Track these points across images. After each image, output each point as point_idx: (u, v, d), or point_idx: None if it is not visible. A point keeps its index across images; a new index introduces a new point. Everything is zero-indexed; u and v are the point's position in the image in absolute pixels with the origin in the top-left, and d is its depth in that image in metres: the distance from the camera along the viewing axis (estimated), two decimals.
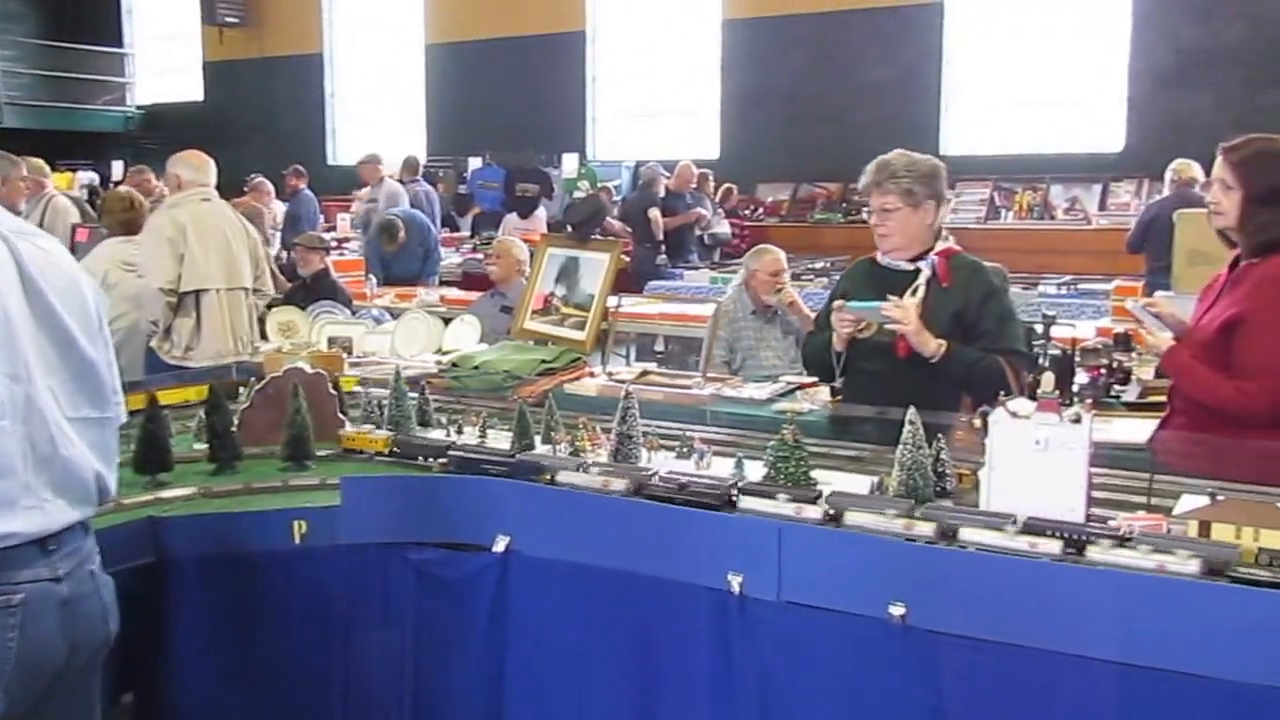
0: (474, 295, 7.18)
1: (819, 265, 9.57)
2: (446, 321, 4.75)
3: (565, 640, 2.55)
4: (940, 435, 2.49)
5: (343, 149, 17.24)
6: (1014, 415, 2.24)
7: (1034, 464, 2.19)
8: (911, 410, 2.40)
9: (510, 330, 4.43)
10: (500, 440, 2.91)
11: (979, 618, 2.07)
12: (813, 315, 4.71)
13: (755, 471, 2.54)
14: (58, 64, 19.33)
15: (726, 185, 12.04)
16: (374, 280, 8.47)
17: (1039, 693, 2.04)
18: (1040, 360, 3.85)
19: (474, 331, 4.62)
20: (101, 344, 2.01)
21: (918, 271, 3.23)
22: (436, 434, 3.06)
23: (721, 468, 2.63)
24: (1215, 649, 1.89)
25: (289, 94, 17.58)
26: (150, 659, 2.63)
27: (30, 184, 8.21)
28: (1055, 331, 4.17)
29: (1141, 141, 10.98)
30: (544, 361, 3.89)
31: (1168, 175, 7.92)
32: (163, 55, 20.01)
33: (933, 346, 3.10)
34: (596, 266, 4.11)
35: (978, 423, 2.58)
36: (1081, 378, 3.95)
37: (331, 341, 4.50)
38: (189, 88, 19.25)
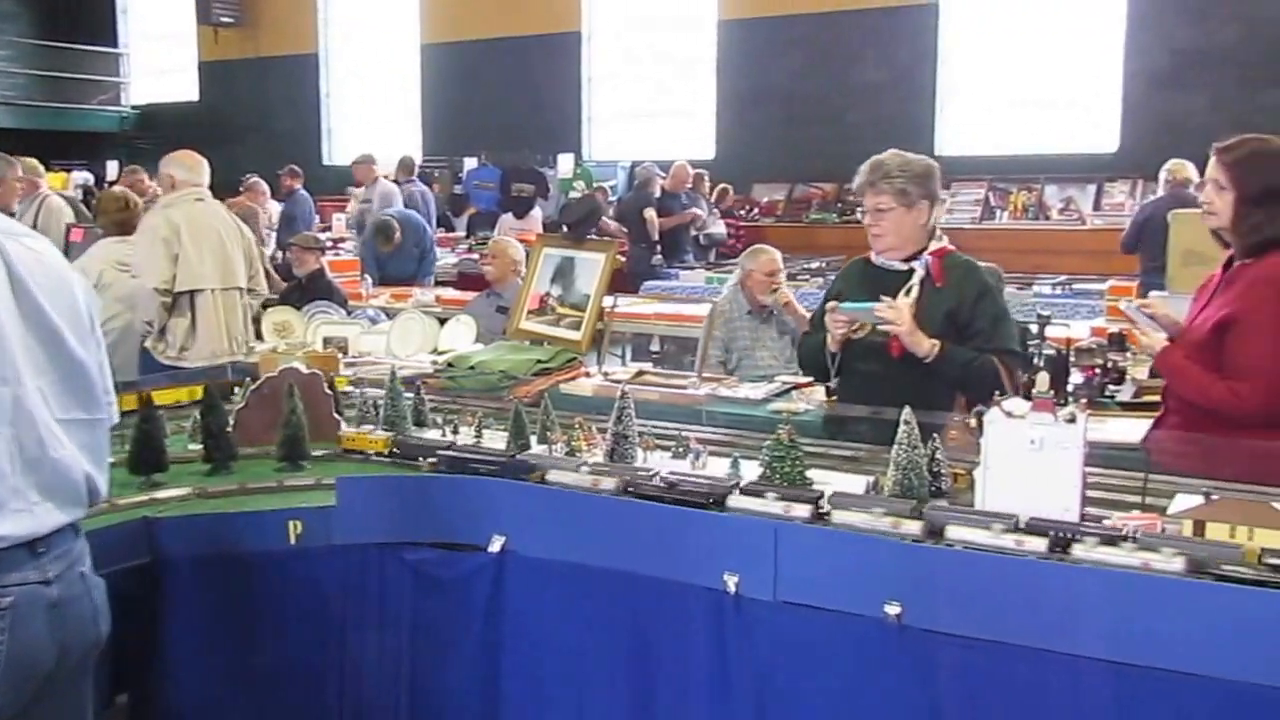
0: (469, 295, 7.17)
1: (814, 265, 9.58)
2: (442, 322, 4.75)
3: (561, 640, 2.55)
4: (935, 435, 2.50)
5: (338, 149, 17.23)
6: (1009, 415, 2.25)
7: (1029, 463, 2.20)
8: (907, 410, 2.40)
9: (506, 330, 4.43)
10: (496, 440, 2.91)
11: (974, 617, 2.08)
12: (808, 315, 4.72)
13: (751, 471, 2.55)
14: (52, 64, 19.31)
15: (722, 185, 12.04)
16: (369, 280, 8.46)
17: (1033, 691, 2.05)
18: (1035, 360, 3.85)
19: (470, 332, 4.62)
20: (93, 345, 2.00)
21: (912, 271, 3.23)
22: (432, 434, 3.05)
23: (717, 468, 2.63)
24: (1207, 647, 1.90)
25: (284, 94, 17.56)
26: (145, 660, 2.62)
27: (24, 184, 8.19)
28: (1050, 331, 4.17)
29: (1136, 142, 11.00)
30: (540, 361, 3.89)
31: (1162, 175, 7.93)
32: (158, 55, 19.99)
33: (926, 346, 3.10)
34: (592, 266, 4.11)
35: (972, 422, 2.58)
36: (1076, 377, 3.96)
37: (327, 342, 4.50)
38: (184, 88, 19.23)
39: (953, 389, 3.16)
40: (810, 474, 2.48)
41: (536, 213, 11.38)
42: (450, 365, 4.02)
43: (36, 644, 1.86)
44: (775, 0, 13.06)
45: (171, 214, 4.84)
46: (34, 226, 7.85)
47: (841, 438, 3.05)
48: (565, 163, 13.64)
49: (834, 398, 3.47)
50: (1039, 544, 2.07)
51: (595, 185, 12.38)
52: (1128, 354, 3.88)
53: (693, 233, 10.85)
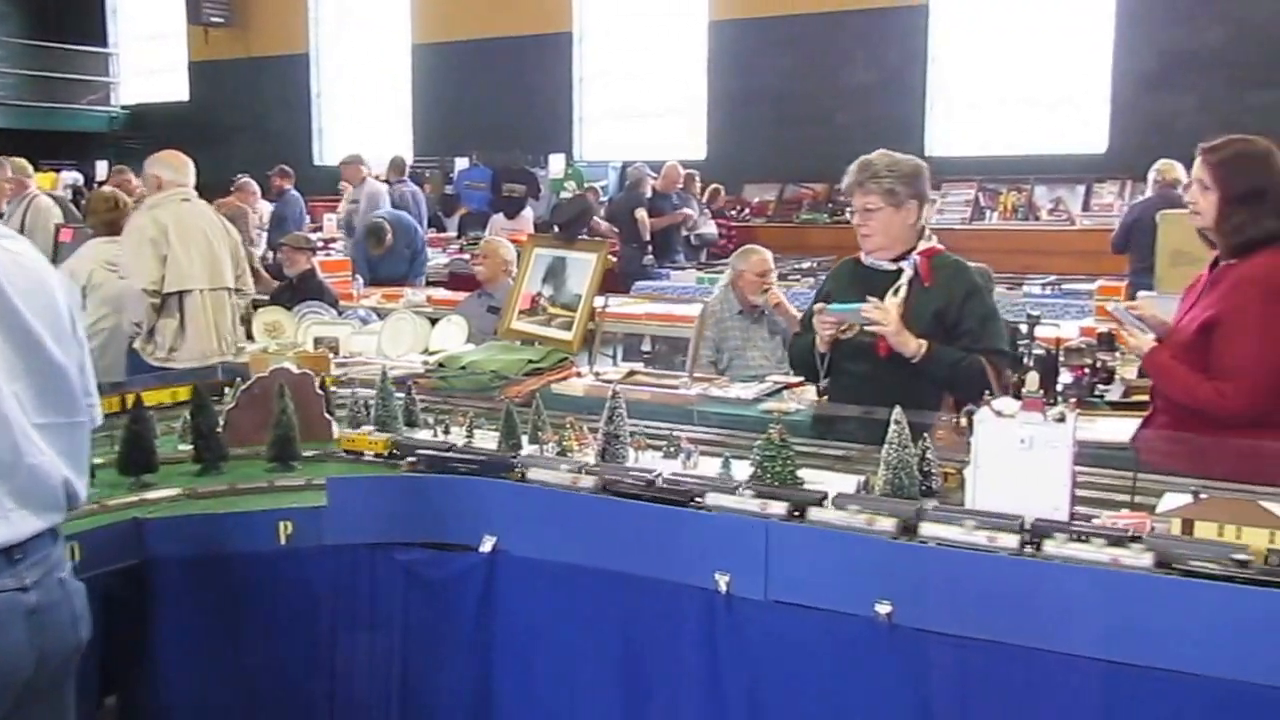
0: (461, 295, 7.17)
1: (805, 265, 9.59)
2: (433, 322, 4.75)
3: (553, 640, 2.55)
4: (926, 435, 2.51)
5: (329, 149, 17.18)
6: (999, 414, 2.26)
7: (1019, 462, 2.21)
8: (897, 410, 2.41)
9: (497, 330, 4.43)
10: (488, 440, 2.91)
11: (965, 616, 2.08)
12: (799, 316, 4.72)
13: (742, 471, 2.55)
14: (42, 63, 19.23)
15: (713, 186, 12.05)
16: (360, 280, 8.44)
17: (1024, 690, 2.06)
18: (1025, 360, 3.87)
19: (461, 332, 4.62)
20: (74, 346, 1.97)
21: (900, 271, 3.24)
22: (423, 434, 3.05)
23: (709, 467, 2.64)
24: (1198, 646, 1.91)
25: (275, 94, 17.52)
26: (135, 661, 2.61)
27: (13, 184, 8.17)
28: (1039, 331, 4.20)
29: (1125, 143, 11.04)
30: (531, 361, 3.89)
31: (1151, 176, 7.96)
32: (147, 55, 19.92)
33: (913, 346, 3.11)
34: (583, 267, 4.11)
35: (963, 421, 2.59)
36: (1065, 377, 3.97)
37: (318, 342, 4.50)
38: (174, 88, 19.16)
39: (941, 389, 3.17)
40: (801, 473, 2.49)
41: (528, 213, 11.37)
42: (441, 365, 4.02)
43: (15, 651, 1.84)
44: (766, 1, 13.07)
45: (159, 214, 4.82)
46: (22, 226, 7.85)
47: (831, 437, 3.06)
48: (556, 163, 13.64)
49: (824, 398, 3.47)
50: (1066, 549, 2.07)
51: (586, 185, 12.37)
52: (1117, 354, 3.89)
53: (684, 233, 10.85)
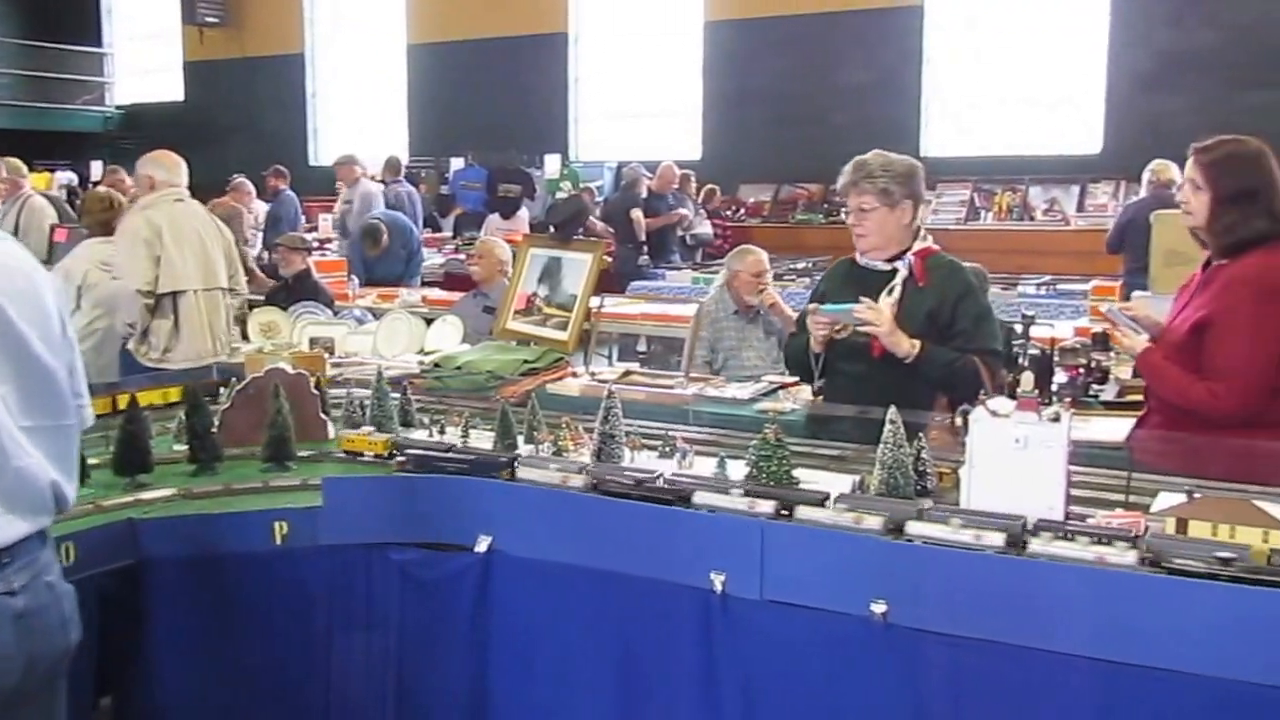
0: (456, 296, 7.16)
1: (801, 266, 9.60)
2: (429, 322, 4.74)
3: (549, 640, 2.55)
4: (921, 434, 2.51)
5: (324, 149, 17.17)
6: (994, 414, 2.26)
7: (1014, 462, 2.21)
8: (892, 409, 2.41)
9: (493, 330, 4.43)
10: (483, 440, 2.91)
11: (960, 616, 2.09)
12: (795, 316, 4.72)
13: (738, 470, 2.55)
14: (36, 63, 19.19)
15: (709, 186, 12.06)
16: (356, 281, 8.44)
17: (1018, 689, 2.06)
18: (1020, 360, 3.88)
19: (456, 332, 4.61)
20: (64, 347, 1.96)
21: (895, 271, 3.24)
22: (419, 434, 3.05)
23: (704, 467, 2.64)
24: (1190, 645, 1.91)
25: (270, 94, 17.50)
26: (129, 662, 2.61)
27: (7, 184, 8.16)
28: (1034, 331, 4.20)
29: (1119, 143, 11.07)
30: (526, 362, 3.89)
31: (1145, 176, 7.98)
32: (142, 55, 19.89)
33: (906, 347, 3.11)
34: (579, 267, 4.11)
35: (959, 421, 2.60)
36: (1060, 377, 3.98)
37: (313, 342, 4.49)
38: (169, 88, 19.13)
39: (934, 389, 3.17)
40: (797, 473, 2.49)
41: (523, 213, 11.37)
42: (437, 365, 4.02)
43: (3, 656, 1.83)
44: (761, 1, 13.08)
45: (152, 215, 4.81)
46: (16, 226, 7.84)
47: (826, 437, 3.06)
48: (552, 163, 13.63)
49: (819, 397, 3.48)
50: (1051, 547, 2.08)
51: (582, 186, 12.37)
52: (1111, 354, 3.90)
53: (679, 233, 10.86)
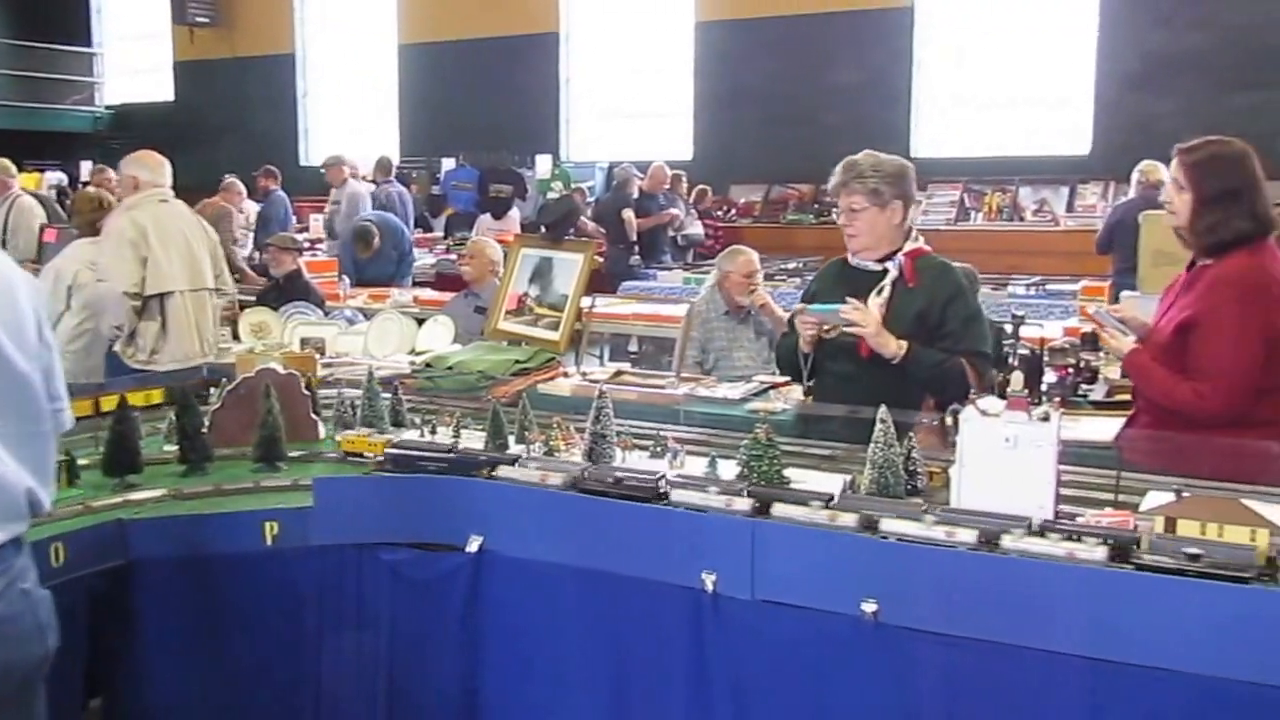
0: (448, 296, 7.15)
1: (791, 266, 9.60)
2: (420, 322, 4.74)
3: (540, 640, 2.56)
4: (911, 434, 2.52)
5: (315, 149, 17.11)
6: (984, 413, 2.27)
7: (1003, 461, 2.22)
8: (883, 409, 2.42)
9: (484, 331, 4.43)
10: (474, 440, 2.91)
11: (950, 614, 2.09)
12: (785, 316, 4.73)
13: (729, 470, 2.56)
14: (26, 63, 19.09)
15: (700, 186, 12.06)
16: (347, 281, 8.42)
17: (1009, 687, 2.07)
18: (1010, 359, 3.90)
19: (448, 332, 4.61)
20: (41, 351, 1.94)
21: (886, 272, 3.25)
22: (410, 434, 3.05)
23: (695, 467, 2.65)
24: (1181, 643, 1.93)
25: (261, 94, 17.44)
26: (119, 663, 2.61)
27: None
28: (1024, 331, 4.23)
29: (1108, 145, 11.10)
30: (518, 362, 3.89)
31: (1134, 177, 8.00)
32: (132, 55, 19.80)
33: (893, 347, 3.11)
34: (570, 267, 4.11)
35: (949, 420, 2.61)
36: (1050, 377, 4.00)
37: (304, 342, 4.49)
38: (159, 88, 19.06)
39: (922, 390, 3.18)
40: (788, 473, 2.50)
41: (514, 213, 11.37)
42: (428, 366, 4.02)
43: None
44: (752, 2, 13.09)
45: (137, 216, 4.76)
46: (5, 226, 7.81)
47: (815, 436, 3.07)
48: (543, 163, 13.62)
49: (810, 397, 3.48)
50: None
51: (573, 186, 12.36)
52: (1100, 354, 3.92)
53: (670, 233, 10.87)
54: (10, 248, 7.76)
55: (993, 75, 12.24)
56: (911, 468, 2.46)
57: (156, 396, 3.33)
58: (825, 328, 3.22)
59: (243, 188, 11.16)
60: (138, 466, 2.80)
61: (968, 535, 2.12)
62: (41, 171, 14.25)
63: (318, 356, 4.05)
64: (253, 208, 11.49)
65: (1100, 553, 2.03)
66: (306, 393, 3.17)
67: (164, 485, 2.78)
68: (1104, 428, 3.22)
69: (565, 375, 3.93)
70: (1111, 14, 11.22)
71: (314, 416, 3.17)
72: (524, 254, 4.34)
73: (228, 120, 17.32)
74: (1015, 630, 2.04)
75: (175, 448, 2.95)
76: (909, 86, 12.39)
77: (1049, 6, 11.83)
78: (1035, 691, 2.05)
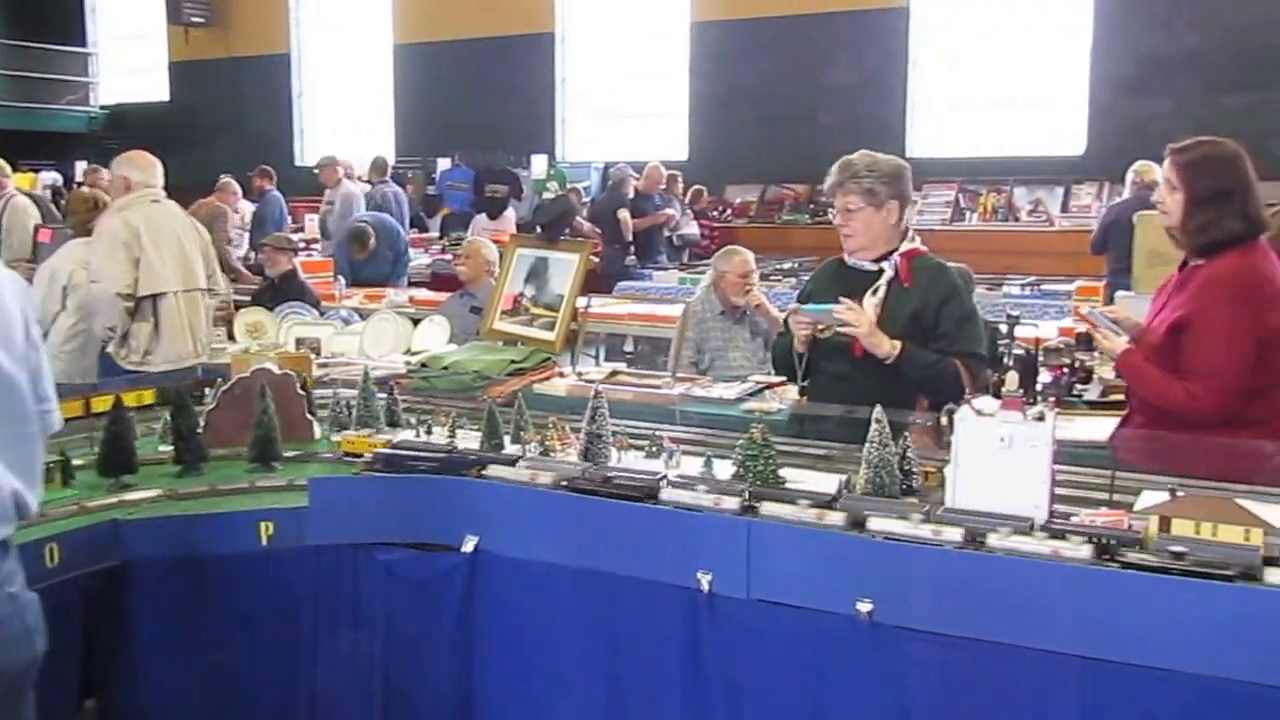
0: (443, 296, 7.15)
1: (787, 266, 9.62)
2: (415, 322, 4.74)
3: (535, 639, 2.56)
4: (906, 434, 2.52)
5: (310, 150, 17.09)
6: (979, 413, 2.27)
7: (999, 461, 2.22)
8: (878, 409, 2.42)
9: (479, 331, 4.43)
10: (470, 440, 2.91)
11: (945, 614, 2.10)
12: (781, 317, 4.73)
13: (724, 470, 2.56)
14: (20, 63, 19.04)
15: (695, 186, 12.07)
16: (342, 281, 8.42)
17: (1003, 687, 2.08)
18: (1005, 359, 3.91)
19: (443, 332, 4.61)
20: (29, 351, 1.93)
21: (882, 271, 3.25)
22: (406, 434, 3.05)
23: (691, 466, 2.65)
24: (1173, 642, 1.93)
25: (256, 94, 17.42)
26: (114, 664, 2.60)
27: None
28: (1019, 331, 4.24)
29: (1103, 145, 11.13)
30: (513, 362, 3.89)
31: (1129, 177, 8.02)
32: (127, 55, 19.77)
33: (886, 347, 3.11)
34: (566, 267, 4.11)
35: (943, 420, 2.61)
36: (1045, 376, 4.01)
37: (299, 342, 4.47)
38: (154, 88, 19.03)
39: (915, 390, 3.18)
40: (783, 472, 2.50)
41: (510, 213, 11.36)
42: (424, 366, 4.02)
43: None
44: (747, 3, 13.10)
45: (129, 216, 4.73)
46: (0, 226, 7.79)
47: (811, 436, 3.07)
48: (539, 163, 13.62)
49: (804, 397, 3.49)
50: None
51: (569, 186, 12.35)
52: (1095, 354, 3.93)
53: (666, 233, 10.87)
54: (5, 248, 7.76)
55: (988, 76, 12.26)
56: (907, 467, 2.46)
57: (148, 397, 3.32)
58: (820, 327, 3.23)
59: (238, 188, 11.15)
60: (133, 467, 2.80)
61: (956, 534, 2.12)
62: (36, 171, 14.24)
63: (313, 357, 4.04)
64: (248, 208, 11.49)
65: (1086, 551, 2.03)
66: (302, 393, 3.17)
67: (159, 485, 2.78)
68: (1099, 427, 3.23)
69: (561, 375, 3.94)
70: (1106, 16, 11.24)
71: (309, 417, 3.17)
72: (519, 254, 4.34)
73: (223, 120, 17.31)
74: (1010, 630, 2.05)
75: (170, 448, 2.95)
76: (904, 87, 12.40)
77: (1044, 8, 11.86)
78: (1030, 691, 2.05)
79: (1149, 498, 2.35)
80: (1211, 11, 10.80)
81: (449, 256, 9.89)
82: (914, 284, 3.21)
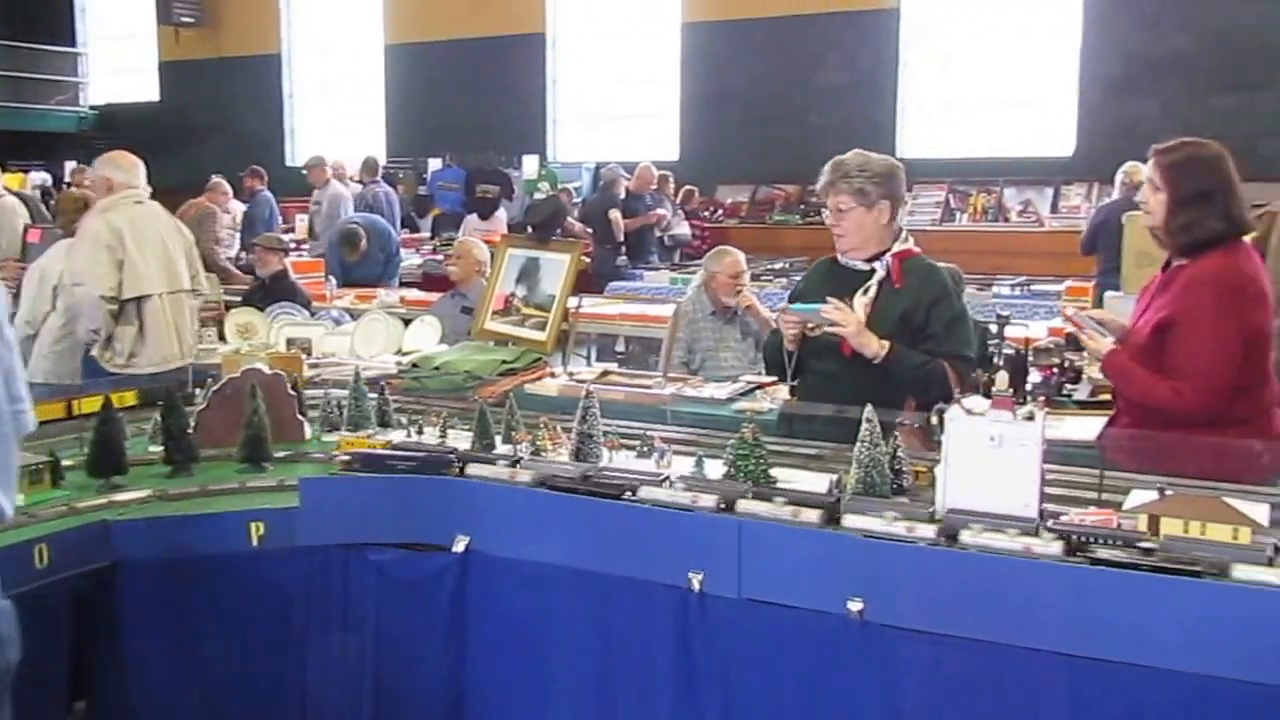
0: (434, 296, 7.14)
1: (778, 266, 9.63)
2: (406, 322, 4.73)
3: (527, 639, 2.56)
4: (896, 433, 2.53)
5: (301, 150, 17.05)
6: (969, 412, 2.28)
7: (989, 460, 2.23)
8: (869, 408, 2.43)
9: (471, 331, 4.43)
10: (461, 440, 2.91)
11: (935, 613, 2.11)
12: (771, 317, 4.74)
13: (716, 470, 2.57)
14: (10, 63, 18.95)
15: (687, 187, 12.08)
16: (333, 281, 8.40)
17: (994, 685, 2.08)
18: (995, 359, 3.92)
19: (434, 332, 4.61)
20: (4, 351, 1.89)
21: (874, 271, 3.26)
22: (397, 435, 3.05)
23: (682, 466, 2.65)
24: (1166, 641, 1.94)
25: (247, 94, 17.37)
26: (104, 665, 2.59)
27: None
28: (1009, 331, 4.25)
29: (1092, 146, 11.17)
30: (505, 362, 3.89)
31: (1118, 178, 8.05)
32: (117, 55, 19.69)
33: (874, 347, 3.12)
34: (557, 267, 4.11)
35: (933, 420, 2.62)
36: (1034, 376, 4.03)
37: (290, 343, 4.47)
38: (144, 88, 18.96)
39: (903, 391, 3.19)
40: (774, 472, 2.51)
41: (501, 214, 11.35)
42: (415, 366, 4.02)
43: None
44: (738, 3, 13.12)
45: (112, 218, 4.67)
46: None
47: (802, 436, 3.07)
48: (530, 164, 13.62)
49: (795, 395, 3.49)
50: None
51: (560, 186, 12.36)
52: (1084, 354, 3.94)
53: (657, 234, 10.88)
54: None
55: (978, 77, 12.30)
56: (897, 467, 2.47)
57: (130, 398, 3.29)
58: (809, 326, 3.23)
59: (228, 188, 11.12)
60: (123, 467, 2.79)
61: (946, 533, 2.13)
62: (25, 171, 14.17)
63: (304, 357, 4.04)
64: (239, 208, 11.45)
65: (1073, 550, 2.04)
66: (292, 393, 3.16)
67: (149, 486, 2.77)
68: (1087, 427, 3.24)
69: (552, 375, 3.94)
70: (1095, 17, 11.29)
71: (300, 417, 3.16)
72: (511, 254, 4.34)
73: (213, 120, 17.25)
74: (1000, 628, 2.06)
75: (160, 448, 2.94)
76: (895, 88, 12.43)
77: (1033, 9, 11.90)
78: (1021, 689, 2.06)
79: (1138, 496, 2.36)
80: (1200, 13, 10.85)
81: (440, 257, 9.88)
82: (905, 284, 3.22)
